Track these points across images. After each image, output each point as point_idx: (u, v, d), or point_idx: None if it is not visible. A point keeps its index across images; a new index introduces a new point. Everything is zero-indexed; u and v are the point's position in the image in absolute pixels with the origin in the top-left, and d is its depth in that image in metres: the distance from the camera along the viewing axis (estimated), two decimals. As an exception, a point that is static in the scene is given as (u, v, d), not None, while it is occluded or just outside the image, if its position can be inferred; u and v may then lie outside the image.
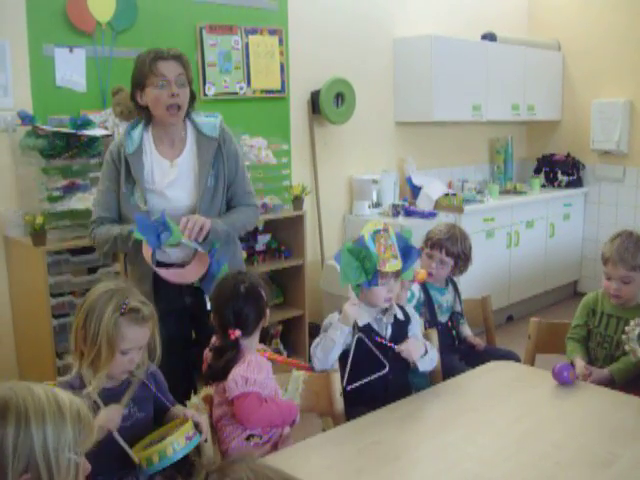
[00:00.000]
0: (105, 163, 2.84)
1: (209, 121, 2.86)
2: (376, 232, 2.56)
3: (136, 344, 2.01)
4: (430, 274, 3.23)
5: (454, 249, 3.24)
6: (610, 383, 2.64)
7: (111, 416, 1.94)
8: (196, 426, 1.99)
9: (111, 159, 2.80)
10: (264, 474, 1.04)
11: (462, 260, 3.29)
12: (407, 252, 2.65)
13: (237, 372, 2.20)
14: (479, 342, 3.35)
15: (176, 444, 1.91)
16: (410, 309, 2.76)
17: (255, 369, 2.20)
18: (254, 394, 2.18)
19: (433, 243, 3.25)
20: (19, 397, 1.29)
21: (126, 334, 1.97)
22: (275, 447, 2.25)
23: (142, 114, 2.80)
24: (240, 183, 2.92)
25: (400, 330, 2.63)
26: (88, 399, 1.87)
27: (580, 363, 2.76)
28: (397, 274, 2.59)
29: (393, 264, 2.55)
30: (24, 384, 1.35)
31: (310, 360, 2.63)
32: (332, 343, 2.50)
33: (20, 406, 1.28)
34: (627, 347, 2.53)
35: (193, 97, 2.82)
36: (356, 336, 2.53)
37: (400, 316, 2.65)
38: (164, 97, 2.67)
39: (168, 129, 2.79)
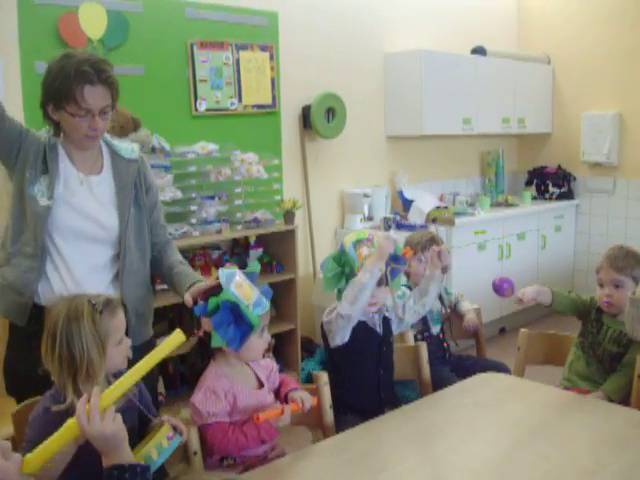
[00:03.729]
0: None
1: (125, 145, 2.54)
2: (358, 241, 2.59)
3: (123, 329, 2.02)
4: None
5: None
6: (609, 400, 2.67)
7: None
8: (175, 428, 2.00)
9: (31, 136, 2.35)
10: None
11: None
12: (394, 260, 2.68)
13: (195, 400, 2.19)
14: (474, 320, 3.43)
15: (159, 446, 1.91)
16: (394, 309, 2.85)
17: (211, 400, 2.18)
18: (216, 425, 2.17)
19: (423, 246, 3.32)
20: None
21: (115, 325, 1.97)
22: (265, 459, 2.26)
23: (50, 126, 2.38)
24: (159, 219, 2.62)
25: (387, 327, 2.73)
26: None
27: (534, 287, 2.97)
28: (379, 282, 2.61)
29: None
30: None
31: (302, 369, 2.67)
32: (361, 285, 2.53)
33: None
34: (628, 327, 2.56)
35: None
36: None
37: (387, 314, 2.77)
38: (83, 128, 2.29)
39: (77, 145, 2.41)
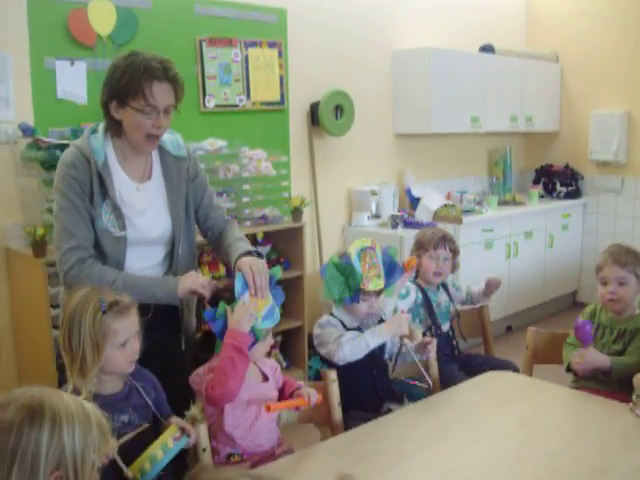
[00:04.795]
0: (62, 178, 2.31)
1: (170, 138, 2.52)
2: (363, 250, 2.61)
3: (130, 333, 2.03)
4: (439, 273, 3.35)
5: (452, 245, 3.39)
6: (605, 370, 2.68)
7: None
8: (182, 430, 2.00)
9: (74, 172, 2.29)
10: (224, 478, 1.08)
11: (456, 255, 3.43)
12: (391, 269, 2.72)
13: (200, 369, 2.24)
14: (496, 279, 3.47)
15: (165, 446, 1.92)
16: (386, 310, 2.90)
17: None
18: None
19: (435, 244, 3.33)
20: (52, 400, 1.38)
21: (117, 328, 1.99)
22: (272, 455, 2.26)
23: (110, 125, 2.38)
24: (212, 202, 2.63)
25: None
26: None
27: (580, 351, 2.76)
28: (379, 292, 2.68)
29: (376, 283, 2.64)
30: (52, 390, 1.43)
31: (309, 369, 2.68)
32: (366, 348, 2.58)
33: (54, 409, 1.36)
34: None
35: None
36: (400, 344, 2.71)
37: (383, 317, 2.80)
38: (147, 126, 2.29)
39: (135, 150, 2.40)
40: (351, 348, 2.56)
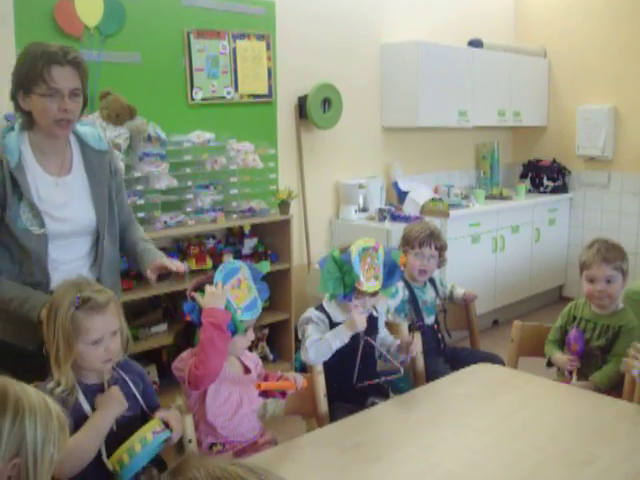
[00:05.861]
0: None
1: (91, 131, 2.53)
2: (365, 249, 2.61)
3: (104, 332, 2.02)
4: (424, 271, 3.35)
5: (438, 242, 3.39)
6: (596, 390, 2.70)
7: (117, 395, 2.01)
8: (166, 425, 2.01)
9: None
10: (212, 466, 1.08)
11: (443, 251, 3.43)
12: (391, 271, 2.72)
13: (177, 360, 2.27)
14: (471, 291, 3.52)
15: (143, 440, 1.92)
16: (379, 307, 2.87)
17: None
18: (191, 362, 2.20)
19: (421, 241, 3.33)
20: (16, 390, 1.37)
21: (89, 325, 1.98)
22: (255, 444, 2.28)
23: (21, 117, 2.37)
24: (124, 197, 2.69)
25: (371, 324, 2.74)
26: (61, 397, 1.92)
27: (559, 355, 2.92)
28: (374, 293, 2.67)
29: (372, 284, 2.63)
30: (15, 381, 1.42)
31: (296, 361, 2.69)
32: (329, 350, 2.58)
33: (17, 397, 1.35)
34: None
35: (85, 103, 2.40)
36: (363, 340, 2.68)
37: (374, 313, 2.80)
38: (53, 110, 2.26)
39: (51, 140, 2.37)
40: (316, 351, 2.57)
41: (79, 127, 2.49)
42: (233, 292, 2.23)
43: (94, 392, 2.02)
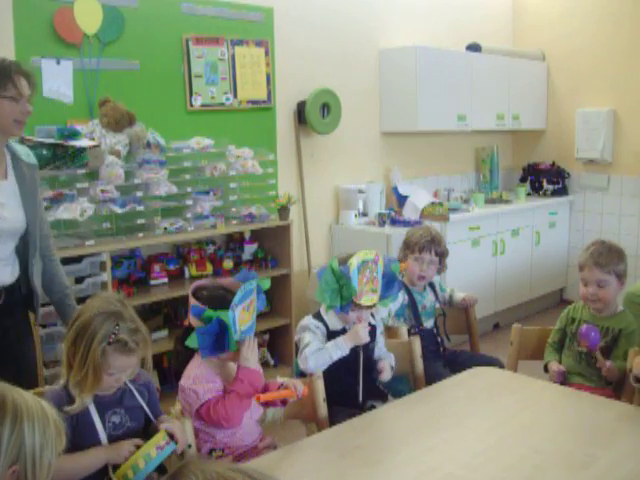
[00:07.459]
0: None
1: (22, 147, 2.72)
2: (364, 262, 2.61)
3: (122, 370, 2.03)
4: (423, 277, 3.35)
5: (439, 249, 3.39)
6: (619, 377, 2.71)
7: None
8: (171, 436, 2.01)
9: None
10: (211, 471, 1.08)
11: (444, 257, 3.43)
12: (390, 282, 2.72)
13: (186, 384, 2.25)
14: (471, 295, 3.53)
15: (147, 456, 1.93)
16: (377, 317, 2.88)
17: (202, 382, 2.25)
18: (211, 401, 2.21)
19: (421, 247, 3.34)
20: (13, 395, 1.37)
21: (112, 363, 1.98)
22: (255, 449, 2.28)
23: None
24: (46, 221, 2.81)
25: (369, 332, 2.72)
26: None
27: (554, 365, 2.90)
28: (371, 306, 2.68)
29: (369, 297, 2.63)
30: (12, 386, 1.42)
31: (297, 364, 2.69)
32: (329, 360, 2.59)
33: (16, 403, 1.35)
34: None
35: None
36: (361, 351, 2.67)
37: (372, 321, 2.80)
38: (16, 112, 2.48)
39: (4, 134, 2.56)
40: (315, 361, 2.58)
41: (11, 143, 2.67)
42: (241, 314, 2.24)
43: (105, 403, 2.04)
